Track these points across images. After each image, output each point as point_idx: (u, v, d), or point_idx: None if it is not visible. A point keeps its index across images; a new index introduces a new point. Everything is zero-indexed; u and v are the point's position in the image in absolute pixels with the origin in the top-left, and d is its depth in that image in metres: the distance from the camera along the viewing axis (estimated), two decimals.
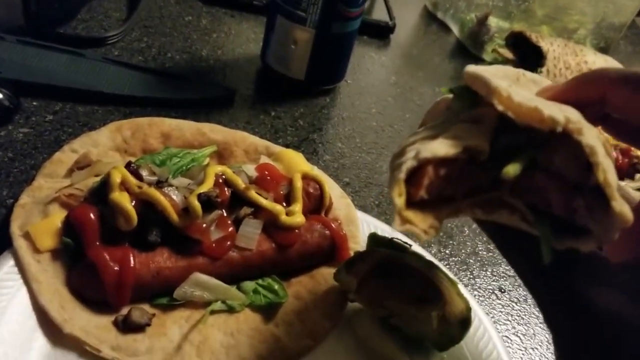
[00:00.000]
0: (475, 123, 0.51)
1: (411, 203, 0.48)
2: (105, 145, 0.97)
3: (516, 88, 0.48)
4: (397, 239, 0.89)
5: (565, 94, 0.55)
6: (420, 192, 0.47)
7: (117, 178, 0.80)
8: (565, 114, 0.45)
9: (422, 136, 0.51)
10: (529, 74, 0.60)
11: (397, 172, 0.47)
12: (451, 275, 0.86)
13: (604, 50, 1.81)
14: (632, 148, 1.30)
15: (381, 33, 1.72)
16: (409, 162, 0.47)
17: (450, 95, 0.60)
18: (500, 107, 0.46)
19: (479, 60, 1.75)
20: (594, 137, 0.45)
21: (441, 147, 0.47)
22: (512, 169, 0.46)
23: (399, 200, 0.47)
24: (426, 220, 0.47)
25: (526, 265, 0.53)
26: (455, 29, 1.86)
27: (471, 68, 0.52)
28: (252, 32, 1.52)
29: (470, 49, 1.78)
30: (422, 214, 0.48)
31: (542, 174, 0.47)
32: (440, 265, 0.87)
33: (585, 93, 0.54)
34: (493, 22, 1.72)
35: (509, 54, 1.69)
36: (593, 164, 0.44)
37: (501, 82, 0.48)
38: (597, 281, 0.49)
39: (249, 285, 0.84)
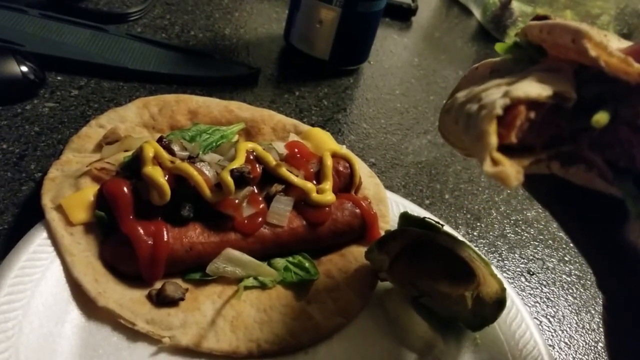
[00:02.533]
0: (557, 72, 0.48)
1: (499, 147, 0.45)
2: (132, 121, 0.96)
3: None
4: (429, 218, 0.89)
5: None
6: (511, 134, 0.43)
7: (149, 152, 0.79)
8: None
9: (495, 83, 0.48)
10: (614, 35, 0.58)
11: (488, 110, 0.43)
12: (483, 256, 0.85)
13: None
14: None
15: (403, 15, 1.70)
16: (501, 100, 0.43)
17: (493, 60, 0.59)
18: (593, 53, 0.43)
19: None
20: None
21: (533, 88, 0.44)
22: (602, 117, 0.43)
23: (493, 138, 0.42)
24: (513, 165, 0.43)
25: (580, 226, 0.51)
26: (477, 12, 1.84)
27: (554, 20, 0.49)
28: (274, 12, 1.51)
29: (492, 32, 1.77)
30: (509, 160, 0.44)
31: (626, 127, 0.44)
32: (472, 246, 0.86)
33: None
34: (516, 6, 1.70)
35: None
36: None
37: (592, 30, 0.46)
38: None
39: (280, 262, 0.84)
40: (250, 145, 0.86)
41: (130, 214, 0.76)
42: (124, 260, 0.76)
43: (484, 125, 0.43)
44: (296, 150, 0.91)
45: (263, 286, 0.80)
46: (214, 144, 0.91)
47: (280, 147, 0.90)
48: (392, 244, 0.85)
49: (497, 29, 1.75)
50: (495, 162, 0.42)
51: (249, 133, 1.01)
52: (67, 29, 1.18)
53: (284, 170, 0.85)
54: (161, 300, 0.74)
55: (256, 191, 0.84)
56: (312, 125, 1.14)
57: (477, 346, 0.82)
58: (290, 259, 0.85)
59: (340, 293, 0.83)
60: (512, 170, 0.42)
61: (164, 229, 0.77)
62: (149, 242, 0.75)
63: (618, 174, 0.45)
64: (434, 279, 0.83)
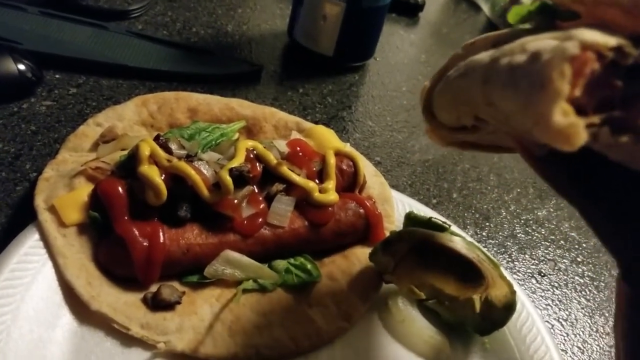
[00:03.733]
0: (601, 28, 0.41)
1: None
2: (130, 119, 0.94)
3: None
4: (435, 218, 0.86)
5: None
6: (577, 86, 0.37)
7: (146, 151, 0.76)
8: None
9: (533, 37, 0.42)
10: None
11: (555, 53, 0.37)
12: (492, 257, 0.82)
13: None
14: None
15: (410, 11, 1.67)
16: (570, 43, 0.37)
17: (494, 33, 0.54)
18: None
19: None
20: None
21: (599, 35, 0.38)
22: None
23: (565, 85, 0.36)
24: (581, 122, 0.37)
25: (608, 215, 0.47)
26: (485, 7, 1.81)
27: None
28: (278, 8, 1.48)
29: (501, 28, 1.73)
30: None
31: None
32: (481, 247, 0.83)
33: None
34: (526, 1, 1.66)
35: None
36: None
37: None
38: None
39: (281, 264, 0.81)
40: (250, 143, 0.84)
41: (125, 214, 0.74)
42: (118, 262, 0.73)
43: (552, 70, 0.37)
44: (298, 148, 0.88)
45: (263, 289, 0.78)
46: (214, 143, 0.89)
47: (282, 145, 0.88)
48: (398, 245, 0.82)
49: (506, 24, 1.71)
50: (566, 112, 0.37)
51: (250, 131, 0.98)
52: (67, 26, 1.16)
53: (285, 169, 0.82)
54: (157, 304, 0.72)
55: (256, 191, 0.81)
56: (316, 123, 1.11)
57: (485, 351, 0.79)
58: (292, 260, 0.82)
59: (343, 296, 0.80)
60: (582, 125, 0.37)
61: (160, 230, 0.74)
62: (145, 243, 0.72)
63: None
64: (440, 282, 0.80)
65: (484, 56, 0.46)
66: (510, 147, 0.56)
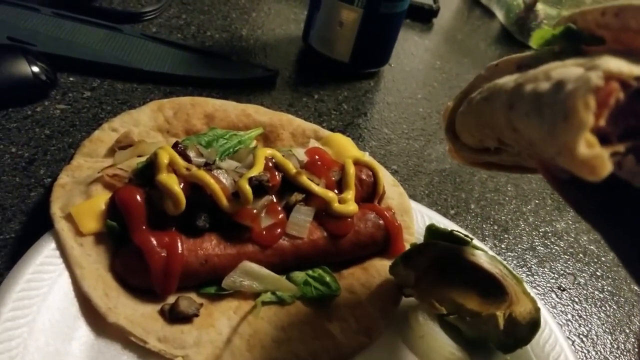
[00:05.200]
0: (626, 55, 0.40)
1: None
2: (146, 125, 0.93)
3: None
4: (457, 231, 0.84)
5: None
6: (602, 116, 0.36)
7: (164, 159, 0.75)
8: None
9: (559, 64, 0.41)
10: None
11: (579, 83, 0.36)
12: (515, 272, 0.80)
13: None
14: None
15: (425, 16, 1.66)
16: (594, 73, 0.36)
17: (518, 55, 0.52)
18: None
19: (525, 48, 1.67)
20: None
21: (623, 65, 0.37)
22: None
23: (590, 116, 0.35)
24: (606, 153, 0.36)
25: (631, 241, 0.45)
26: (500, 14, 1.79)
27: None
28: (292, 12, 1.46)
29: (516, 35, 1.71)
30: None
31: None
32: (504, 261, 0.81)
33: None
34: (541, 8, 1.65)
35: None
36: None
37: None
38: None
39: (299, 276, 0.79)
40: (269, 151, 0.82)
41: (143, 224, 0.72)
42: (135, 273, 0.71)
43: (576, 101, 0.36)
44: (317, 157, 0.87)
45: (281, 302, 0.76)
46: (231, 150, 0.87)
47: (300, 154, 0.86)
48: (419, 258, 0.80)
49: (520, 31, 1.69)
50: (590, 144, 0.36)
51: (267, 138, 0.96)
52: (80, 28, 1.14)
53: (305, 179, 0.81)
54: (174, 316, 0.70)
55: (275, 200, 0.80)
56: (332, 130, 1.09)
57: None
58: (310, 272, 0.80)
59: (363, 310, 0.79)
60: (607, 156, 0.36)
61: (179, 240, 0.72)
62: (163, 254, 0.71)
63: None
64: (462, 297, 0.78)
65: (508, 80, 0.45)
66: (534, 168, 0.55)
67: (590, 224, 0.47)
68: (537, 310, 0.75)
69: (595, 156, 0.35)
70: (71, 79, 1.05)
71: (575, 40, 0.46)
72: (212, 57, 1.18)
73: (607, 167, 0.35)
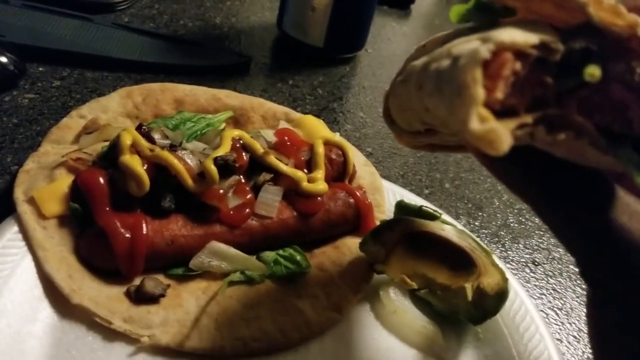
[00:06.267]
0: (533, 24, 0.41)
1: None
2: (115, 111, 0.92)
3: None
4: (426, 207, 0.84)
5: None
6: (497, 88, 0.36)
7: (127, 140, 0.74)
8: None
9: (462, 40, 0.41)
10: None
11: (470, 57, 0.36)
12: (484, 245, 0.80)
13: None
14: None
15: (402, 3, 1.65)
16: (484, 46, 0.36)
17: (443, 33, 0.51)
18: (592, 10, 0.37)
19: None
20: None
21: (518, 34, 0.37)
22: (595, 70, 0.37)
23: (479, 89, 0.35)
24: (502, 126, 0.36)
25: (559, 211, 0.44)
26: None
27: None
28: (267, 0, 1.46)
29: None
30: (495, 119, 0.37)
31: (618, 86, 0.38)
32: (473, 235, 0.81)
33: None
34: None
35: None
36: None
37: None
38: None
39: (270, 255, 0.79)
40: (236, 132, 0.82)
41: (106, 205, 0.72)
42: (100, 254, 0.71)
43: (465, 75, 0.36)
44: (286, 137, 0.87)
45: (251, 281, 0.76)
46: (199, 133, 0.87)
47: (269, 135, 0.86)
48: (388, 234, 0.80)
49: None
50: (483, 117, 0.35)
51: (237, 121, 0.96)
52: (51, 19, 1.14)
53: (273, 159, 0.80)
54: (140, 297, 0.70)
55: (243, 181, 0.79)
56: (306, 114, 1.09)
57: (479, 341, 0.77)
58: (281, 252, 0.80)
59: (334, 287, 0.78)
60: (504, 130, 0.35)
61: (143, 221, 0.72)
62: (127, 235, 0.70)
63: (612, 141, 0.38)
64: (432, 271, 0.79)
65: (420, 61, 0.45)
66: None
67: (522, 198, 0.47)
68: (505, 280, 0.75)
69: (489, 130, 0.35)
70: (41, 68, 1.05)
71: (488, 13, 0.45)
72: (184, 44, 1.18)
73: (505, 141, 0.35)
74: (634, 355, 0.45)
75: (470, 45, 0.37)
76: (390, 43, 1.48)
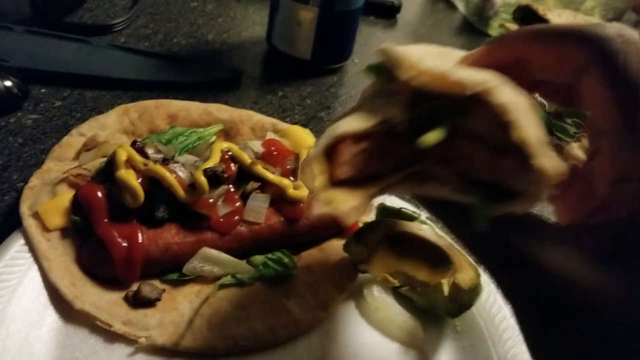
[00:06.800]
0: (391, 96, 0.47)
1: (338, 182, 0.45)
2: (112, 128, 0.98)
3: (432, 58, 0.45)
4: (405, 208, 0.89)
5: (484, 59, 0.52)
6: (341, 170, 0.44)
7: (122, 156, 0.80)
8: (474, 77, 0.43)
9: (339, 116, 0.48)
10: (461, 51, 0.57)
11: (312, 151, 0.44)
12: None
13: (612, 21, 1.78)
14: None
15: (388, 13, 1.71)
16: (323, 140, 0.44)
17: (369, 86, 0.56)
18: (405, 76, 0.43)
19: (485, 36, 1.73)
20: (508, 95, 0.42)
21: (354, 122, 0.44)
22: (428, 138, 0.43)
23: (318, 180, 0.43)
24: (353, 198, 0.44)
25: (475, 238, 0.48)
26: (460, 5, 1.84)
27: (385, 45, 0.48)
28: (258, 16, 1.52)
29: (476, 24, 1.76)
30: (350, 192, 0.44)
31: (465, 140, 0.45)
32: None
33: (502, 56, 0.52)
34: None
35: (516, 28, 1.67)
36: (507, 123, 0.41)
37: (411, 52, 0.45)
38: (547, 245, 0.46)
39: (259, 259, 0.84)
40: (225, 145, 0.87)
41: (104, 217, 0.77)
42: (100, 263, 0.77)
43: (306, 169, 0.44)
44: (273, 148, 0.92)
45: (241, 283, 0.81)
46: (191, 146, 0.92)
47: (257, 146, 0.91)
48: (370, 235, 0.85)
49: (480, 21, 1.75)
50: (326, 200, 0.43)
51: (227, 134, 1.02)
52: (52, 43, 1.20)
53: (260, 168, 0.86)
54: (138, 302, 0.75)
55: (232, 190, 0.85)
56: (295, 124, 1.14)
57: (457, 333, 0.82)
58: (270, 255, 0.85)
59: (320, 287, 0.84)
60: (349, 205, 0.43)
61: (139, 231, 0.78)
62: (124, 244, 0.76)
63: (469, 185, 0.44)
64: (413, 269, 0.84)
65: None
66: None
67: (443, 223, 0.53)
68: (479, 276, 0.80)
69: (332, 211, 0.43)
70: (43, 90, 1.11)
71: (381, 73, 0.50)
72: (177, 61, 1.24)
73: (350, 215, 0.43)
74: None
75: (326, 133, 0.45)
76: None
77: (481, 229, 0.43)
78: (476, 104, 0.43)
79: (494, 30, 1.73)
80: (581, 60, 0.47)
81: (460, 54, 0.54)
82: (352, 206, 0.43)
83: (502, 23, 1.69)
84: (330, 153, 0.44)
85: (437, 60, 0.45)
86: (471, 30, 1.76)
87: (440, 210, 0.51)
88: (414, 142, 0.44)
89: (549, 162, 0.40)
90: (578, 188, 0.53)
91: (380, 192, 0.46)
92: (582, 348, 0.44)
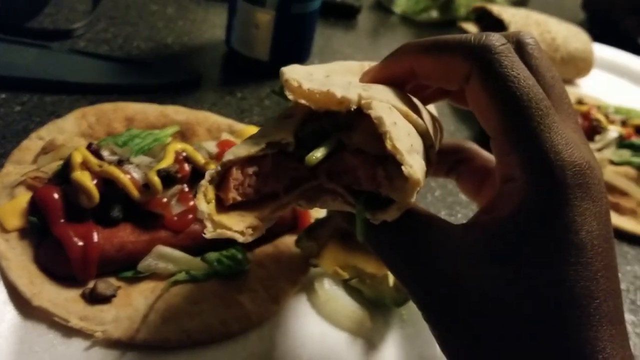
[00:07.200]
0: (288, 118, 0.52)
1: (231, 206, 0.50)
2: (71, 132, 1.00)
3: (335, 76, 0.51)
4: None
5: (380, 74, 0.57)
6: (230, 195, 0.48)
7: (78, 158, 0.83)
8: (359, 92, 0.47)
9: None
10: (368, 64, 0.63)
11: (204, 179, 0.49)
12: None
13: (518, 4, 1.85)
14: (592, 111, 1.33)
15: (348, 14, 1.75)
16: (212, 170, 0.49)
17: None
18: (291, 96, 0.48)
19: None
20: (384, 109, 0.47)
21: (243, 148, 0.49)
22: (314, 155, 0.48)
23: (208, 207, 0.48)
24: (244, 220, 0.48)
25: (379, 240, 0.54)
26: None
27: (283, 68, 0.53)
28: (218, 19, 1.54)
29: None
30: (241, 215, 0.49)
31: (349, 154, 0.49)
32: None
33: (395, 69, 0.57)
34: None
35: (474, 29, 1.72)
36: (382, 134, 0.46)
37: (296, 73, 0.50)
38: (444, 248, 0.50)
39: (213, 255, 0.87)
40: (179, 146, 0.90)
41: (60, 217, 0.80)
42: (57, 262, 0.79)
43: (197, 197, 0.49)
44: (227, 148, 0.95)
45: (195, 280, 0.84)
46: (146, 147, 0.95)
47: (211, 146, 0.95)
48: (320, 230, 0.89)
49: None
50: (216, 225, 0.48)
51: (184, 135, 1.05)
52: (11, 48, 1.21)
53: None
54: (94, 298, 0.78)
55: (186, 189, 0.88)
56: (254, 124, 1.18)
57: (403, 321, 0.87)
58: (224, 252, 0.88)
59: (272, 281, 0.87)
60: (240, 227, 0.48)
61: (94, 230, 0.80)
62: (80, 243, 0.79)
63: (356, 197, 0.49)
64: (361, 262, 0.88)
65: None
66: None
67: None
68: None
69: (220, 234, 0.49)
70: (3, 95, 1.12)
71: (283, 95, 0.54)
72: (136, 65, 1.26)
73: (240, 237, 0.48)
74: None
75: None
76: (335, 53, 1.57)
77: (359, 235, 0.48)
78: (359, 119, 0.48)
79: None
80: (464, 70, 0.51)
81: (365, 68, 0.59)
82: (239, 229, 0.48)
83: (459, 25, 1.74)
84: (221, 180, 0.49)
85: (342, 77, 0.50)
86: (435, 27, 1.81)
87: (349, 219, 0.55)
88: (302, 161, 0.49)
89: (413, 168, 0.45)
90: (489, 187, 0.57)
91: (275, 211, 0.50)
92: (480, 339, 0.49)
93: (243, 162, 0.49)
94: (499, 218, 0.49)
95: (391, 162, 0.46)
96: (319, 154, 0.48)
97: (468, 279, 0.48)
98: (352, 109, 0.47)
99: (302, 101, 0.48)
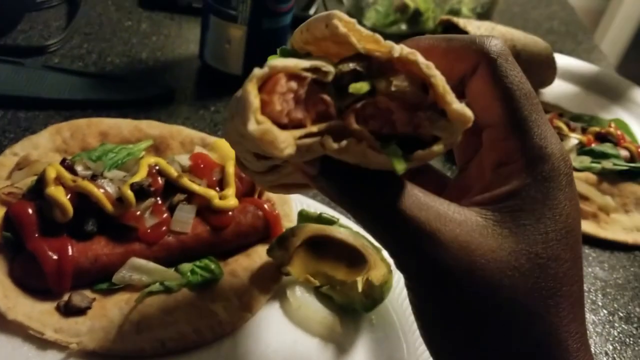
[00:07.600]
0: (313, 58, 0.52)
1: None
2: (45, 147, 1.02)
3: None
4: (325, 213, 0.96)
5: None
6: (274, 100, 0.45)
7: (52, 174, 0.84)
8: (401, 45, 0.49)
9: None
10: None
11: (253, 72, 0.46)
12: (376, 243, 0.92)
13: (482, 15, 1.89)
14: (554, 119, 1.37)
15: None
16: (260, 70, 0.46)
17: None
18: (343, 30, 0.48)
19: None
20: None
21: (291, 61, 0.47)
22: (360, 86, 0.48)
23: (255, 98, 0.44)
24: (283, 133, 0.45)
25: (363, 207, 0.53)
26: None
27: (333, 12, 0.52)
28: (192, 34, 1.57)
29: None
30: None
31: (384, 97, 0.49)
32: (367, 235, 0.93)
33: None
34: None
35: None
36: (429, 77, 0.47)
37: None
38: (447, 218, 0.52)
39: (187, 266, 0.89)
40: (152, 159, 0.92)
41: (35, 232, 0.82)
42: (32, 275, 0.81)
43: (244, 89, 0.45)
44: (200, 161, 0.97)
45: (169, 290, 0.86)
46: (120, 162, 0.97)
47: (184, 159, 0.97)
48: (291, 239, 0.91)
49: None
50: (259, 121, 0.44)
51: (157, 149, 1.06)
52: None
53: (186, 180, 0.91)
54: (69, 310, 0.80)
55: (160, 202, 0.90)
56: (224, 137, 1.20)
57: (372, 326, 0.89)
58: (198, 262, 0.90)
59: (245, 290, 0.89)
60: (282, 135, 0.45)
61: (69, 244, 0.82)
62: (55, 257, 0.80)
63: (383, 142, 0.49)
64: (332, 269, 0.90)
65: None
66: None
67: (343, 208, 0.55)
68: (390, 272, 0.88)
69: (265, 131, 0.44)
70: None
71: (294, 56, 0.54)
72: (110, 80, 1.28)
73: (285, 143, 0.45)
74: (454, 345, 0.53)
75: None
76: None
77: (398, 170, 0.47)
78: (397, 66, 0.49)
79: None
80: (470, 64, 0.56)
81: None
82: (285, 138, 0.45)
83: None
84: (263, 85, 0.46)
85: None
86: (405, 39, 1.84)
87: (350, 186, 0.53)
88: (340, 99, 0.49)
89: (463, 107, 0.48)
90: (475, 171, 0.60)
91: (302, 138, 0.47)
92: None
93: (288, 73, 0.47)
94: (497, 195, 0.54)
95: (430, 108, 0.49)
96: (364, 86, 0.49)
97: (464, 249, 0.50)
98: (391, 58, 0.48)
99: (351, 36, 0.48)
